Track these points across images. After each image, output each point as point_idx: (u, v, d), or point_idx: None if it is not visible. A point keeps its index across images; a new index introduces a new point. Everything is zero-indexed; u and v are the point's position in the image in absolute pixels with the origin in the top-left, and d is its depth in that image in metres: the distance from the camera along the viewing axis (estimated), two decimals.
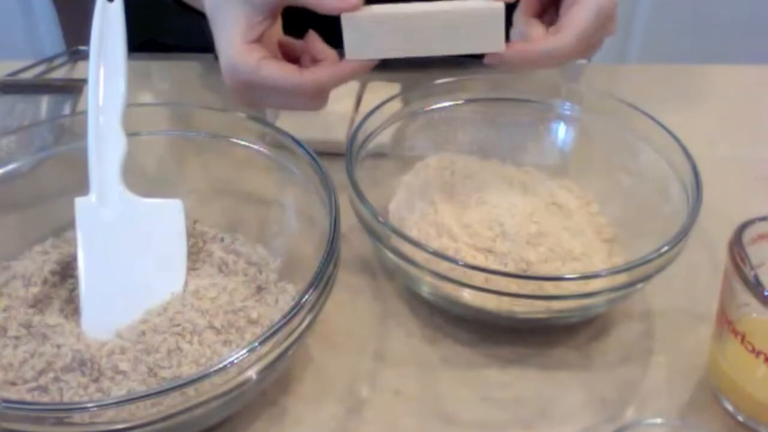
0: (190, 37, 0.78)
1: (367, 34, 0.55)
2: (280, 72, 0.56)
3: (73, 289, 0.55)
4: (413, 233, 0.57)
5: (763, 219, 0.49)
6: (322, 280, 0.48)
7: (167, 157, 0.64)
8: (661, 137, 0.60)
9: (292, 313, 0.46)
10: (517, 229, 0.58)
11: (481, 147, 0.66)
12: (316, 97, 0.58)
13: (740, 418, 0.51)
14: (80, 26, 0.65)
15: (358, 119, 0.63)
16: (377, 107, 0.63)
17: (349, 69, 0.56)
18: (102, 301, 0.53)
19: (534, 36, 0.59)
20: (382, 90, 0.73)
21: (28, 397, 0.48)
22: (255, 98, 0.58)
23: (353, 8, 0.56)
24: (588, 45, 0.58)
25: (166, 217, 0.56)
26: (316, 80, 0.57)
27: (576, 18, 0.57)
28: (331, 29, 0.59)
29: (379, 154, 0.65)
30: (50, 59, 0.84)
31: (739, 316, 0.48)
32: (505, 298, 0.52)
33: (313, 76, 0.57)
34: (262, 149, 0.61)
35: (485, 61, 0.57)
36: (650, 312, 0.59)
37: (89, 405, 0.42)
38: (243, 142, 0.62)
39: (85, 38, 0.58)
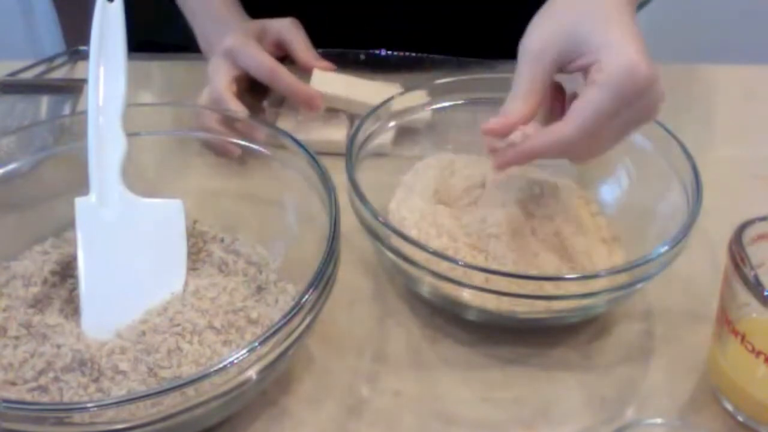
0: (190, 37, 0.78)
1: None
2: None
3: (73, 289, 0.55)
4: (413, 233, 0.57)
5: (763, 219, 0.49)
6: (322, 280, 0.48)
7: (167, 157, 0.64)
8: (661, 137, 0.60)
9: (292, 313, 0.46)
10: (517, 229, 0.58)
11: (481, 147, 0.66)
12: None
13: (740, 418, 0.51)
14: (80, 26, 0.65)
15: (357, 119, 0.63)
16: (377, 107, 0.64)
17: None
18: (102, 301, 0.53)
19: (509, 112, 0.54)
20: (382, 90, 0.73)
21: (28, 397, 0.48)
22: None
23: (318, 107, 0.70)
24: (608, 132, 0.52)
25: (166, 217, 0.56)
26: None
27: (580, 103, 0.51)
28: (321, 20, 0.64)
29: (379, 154, 0.65)
30: (50, 59, 0.84)
31: (739, 316, 0.48)
32: (505, 298, 0.52)
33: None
34: (262, 149, 0.61)
35: (495, 167, 0.56)
36: (650, 312, 0.59)
37: (89, 405, 0.42)
38: (243, 142, 0.62)
39: (85, 38, 0.58)
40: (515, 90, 0.54)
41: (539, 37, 0.54)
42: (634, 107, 0.51)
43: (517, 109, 0.54)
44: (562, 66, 0.54)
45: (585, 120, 0.51)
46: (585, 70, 0.53)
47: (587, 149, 0.54)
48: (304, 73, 0.74)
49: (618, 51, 0.50)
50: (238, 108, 0.68)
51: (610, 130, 0.52)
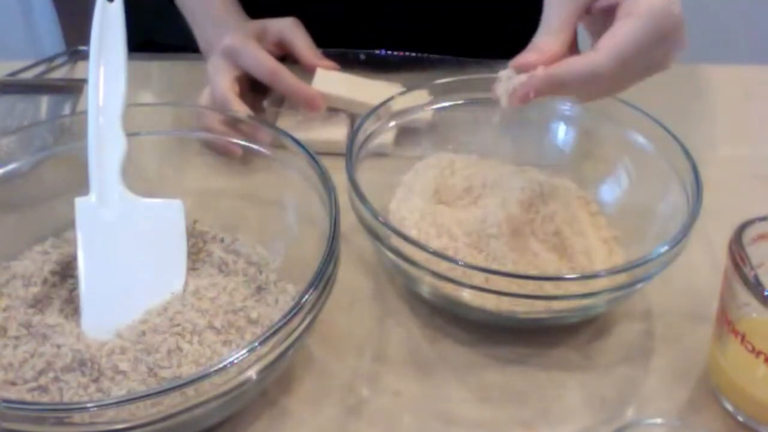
0: (189, 37, 0.78)
1: None
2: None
3: (73, 289, 0.55)
4: (413, 233, 0.57)
5: (763, 219, 0.49)
6: (322, 280, 0.48)
7: (167, 157, 0.64)
8: (661, 137, 0.60)
9: (292, 313, 0.46)
10: (517, 229, 0.58)
11: (481, 147, 0.66)
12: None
13: (740, 418, 0.51)
14: (80, 26, 0.65)
15: (357, 119, 0.63)
16: (377, 107, 0.64)
17: None
18: (102, 301, 0.53)
19: (542, 47, 0.52)
20: (383, 90, 0.73)
21: (28, 397, 0.48)
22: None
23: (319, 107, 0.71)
24: (635, 68, 0.51)
25: (166, 217, 0.56)
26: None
27: (617, 34, 0.50)
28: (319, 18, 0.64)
29: (379, 154, 0.65)
30: (50, 59, 0.84)
31: (739, 316, 0.48)
32: (505, 298, 0.52)
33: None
34: (262, 149, 0.61)
35: (507, 103, 0.53)
36: (650, 312, 0.59)
37: (89, 405, 0.42)
38: (243, 142, 0.62)
39: (85, 38, 0.58)
40: (546, 26, 0.53)
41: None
42: (662, 47, 0.50)
43: (548, 44, 0.52)
44: (591, 4, 0.53)
45: (623, 50, 0.50)
46: (610, 11, 0.52)
47: (609, 85, 0.52)
48: (307, 72, 0.75)
49: None
50: (241, 108, 0.68)
51: (636, 67, 0.51)
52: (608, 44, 0.50)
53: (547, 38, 0.53)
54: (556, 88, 0.52)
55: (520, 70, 0.53)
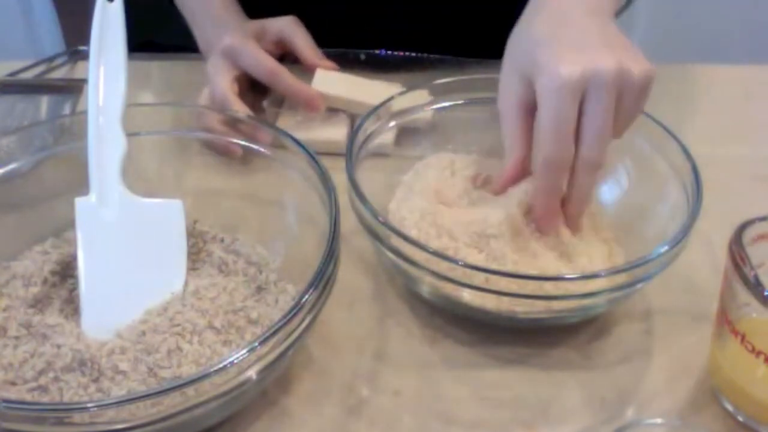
0: (190, 37, 0.78)
1: None
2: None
3: (73, 289, 0.55)
4: (413, 233, 0.57)
5: (763, 219, 0.49)
6: (322, 280, 0.48)
7: (167, 157, 0.64)
8: (661, 137, 0.60)
9: (292, 313, 0.46)
10: (517, 229, 0.58)
11: (481, 147, 0.66)
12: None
13: (740, 418, 0.51)
14: (80, 26, 0.65)
15: (357, 119, 0.63)
16: (377, 107, 0.64)
17: None
18: (102, 301, 0.53)
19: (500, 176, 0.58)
20: (383, 90, 0.73)
21: (28, 397, 0.48)
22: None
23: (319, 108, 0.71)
24: (561, 132, 0.52)
25: (166, 217, 0.56)
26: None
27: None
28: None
29: (379, 154, 0.65)
30: (50, 59, 0.84)
31: (739, 316, 0.48)
32: (505, 298, 0.52)
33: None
34: (262, 149, 0.61)
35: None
36: (650, 312, 0.59)
37: (89, 405, 0.42)
38: (243, 142, 0.62)
39: (85, 38, 0.58)
40: (505, 145, 0.57)
41: (502, 93, 0.57)
42: (603, 99, 0.51)
43: (512, 159, 0.57)
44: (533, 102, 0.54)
45: (540, 135, 0.52)
46: None
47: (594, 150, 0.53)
48: (307, 71, 0.75)
49: (541, 70, 0.52)
50: (241, 108, 0.68)
51: (592, 127, 0.52)
52: (538, 127, 0.53)
53: (509, 157, 0.57)
54: (549, 195, 0.55)
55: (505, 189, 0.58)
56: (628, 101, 0.53)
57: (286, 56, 0.77)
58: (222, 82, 0.70)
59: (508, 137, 0.56)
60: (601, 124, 0.52)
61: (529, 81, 0.53)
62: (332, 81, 0.74)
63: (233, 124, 0.63)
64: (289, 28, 0.76)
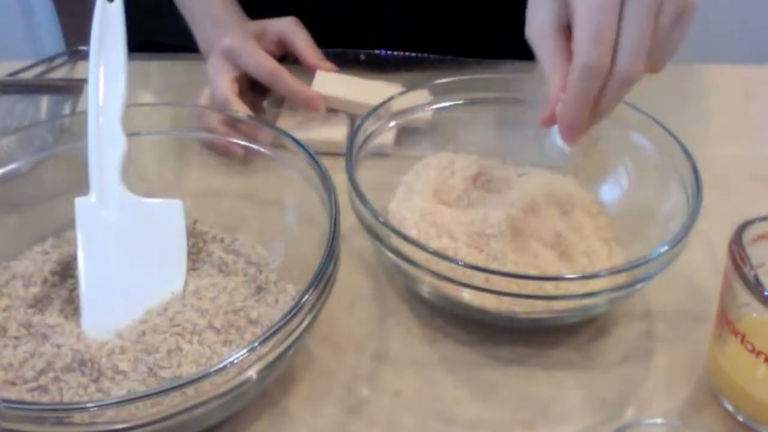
0: (190, 37, 0.78)
1: None
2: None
3: (73, 289, 0.55)
4: (413, 233, 0.57)
5: (763, 219, 0.49)
6: (322, 280, 0.48)
7: (167, 157, 0.64)
8: (661, 137, 0.60)
9: (292, 313, 0.46)
10: (517, 229, 0.58)
11: (481, 147, 0.66)
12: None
13: (740, 418, 0.51)
14: (80, 26, 0.65)
15: (357, 119, 0.63)
16: (377, 107, 0.63)
17: None
18: (102, 301, 0.53)
19: (550, 94, 0.52)
20: (382, 89, 0.73)
21: (28, 397, 0.48)
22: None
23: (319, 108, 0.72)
24: (638, 20, 0.48)
25: (166, 217, 0.56)
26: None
27: (575, 21, 0.49)
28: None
29: (379, 154, 0.65)
30: (50, 59, 0.84)
31: (739, 316, 0.48)
32: (505, 298, 0.52)
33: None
34: (262, 149, 0.61)
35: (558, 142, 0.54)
36: (650, 312, 0.59)
37: (89, 405, 0.42)
38: (243, 142, 0.62)
39: (85, 38, 0.58)
40: (545, 69, 0.53)
41: (531, 19, 0.54)
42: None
43: (553, 86, 0.53)
44: (568, 27, 0.52)
45: (588, 26, 0.49)
46: None
47: (632, 54, 0.50)
48: (307, 72, 0.75)
49: None
50: (241, 108, 0.68)
51: (639, 19, 0.49)
52: (576, 35, 0.50)
53: (550, 84, 0.53)
54: (579, 106, 0.52)
55: (549, 123, 0.54)
56: (666, 14, 0.50)
57: (287, 57, 0.77)
58: (222, 83, 0.70)
59: (548, 59, 0.52)
60: (639, 31, 0.49)
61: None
62: (332, 83, 0.74)
63: (233, 124, 0.63)
64: (289, 28, 0.76)
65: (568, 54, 0.52)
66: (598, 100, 0.52)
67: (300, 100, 0.71)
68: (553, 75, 0.53)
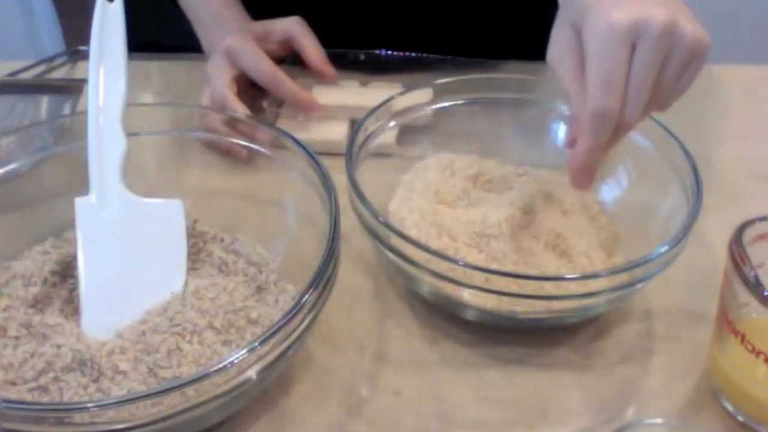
0: (190, 37, 0.78)
1: None
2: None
3: (73, 289, 0.55)
4: (413, 233, 0.57)
5: (763, 219, 0.49)
6: (322, 280, 0.48)
7: (167, 157, 0.64)
8: (661, 137, 0.60)
9: (292, 313, 0.46)
10: (517, 229, 0.58)
11: (481, 147, 0.66)
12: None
13: (740, 418, 0.51)
14: (80, 26, 0.65)
15: (357, 119, 0.63)
16: (377, 107, 0.63)
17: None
18: (102, 301, 0.53)
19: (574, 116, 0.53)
20: (382, 90, 0.73)
21: (28, 397, 0.48)
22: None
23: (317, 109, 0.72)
24: (620, 87, 0.49)
25: (166, 217, 0.56)
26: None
27: (586, 67, 0.50)
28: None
29: (380, 154, 0.65)
30: (50, 59, 0.84)
31: (739, 316, 0.48)
32: (505, 298, 0.52)
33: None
34: (262, 149, 0.61)
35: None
36: (650, 312, 0.59)
37: (89, 405, 0.42)
38: (243, 142, 0.62)
39: (85, 38, 0.58)
40: (569, 97, 0.54)
41: (552, 46, 0.54)
42: (651, 52, 0.49)
43: (577, 108, 0.53)
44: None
45: (597, 73, 0.49)
46: None
47: (636, 103, 0.50)
48: (311, 72, 0.75)
49: (590, 15, 0.49)
50: (240, 108, 0.68)
51: (646, 72, 0.50)
52: (588, 80, 0.50)
53: (575, 106, 0.53)
54: (592, 153, 0.52)
55: (573, 145, 0.54)
56: (675, 62, 0.50)
57: (289, 58, 0.77)
58: (221, 83, 0.70)
59: (569, 85, 0.53)
60: (641, 78, 0.49)
61: (579, 30, 0.51)
62: (331, 93, 0.74)
63: (233, 124, 0.63)
64: (295, 28, 0.76)
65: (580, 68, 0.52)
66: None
67: (298, 104, 0.72)
68: (575, 98, 0.52)
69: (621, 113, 0.50)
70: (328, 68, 0.75)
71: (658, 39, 0.48)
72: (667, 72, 0.50)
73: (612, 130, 0.51)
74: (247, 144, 0.62)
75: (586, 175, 0.54)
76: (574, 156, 0.53)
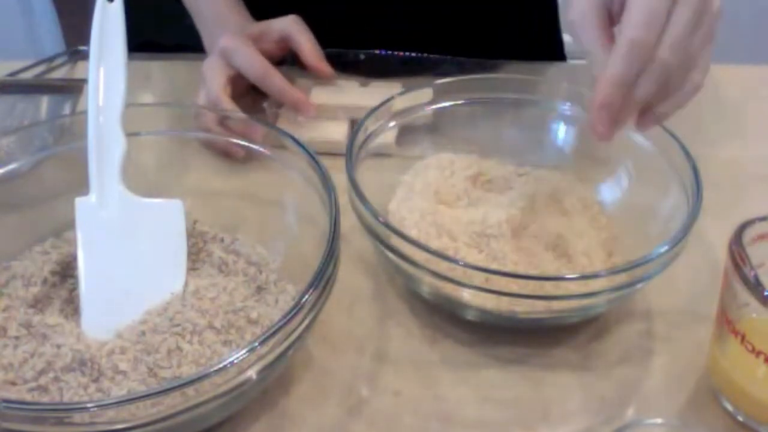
0: (190, 37, 0.78)
1: None
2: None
3: (73, 289, 0.55)
4: (413, 233, 0.57)
5: (763, 219, 0.49)
6: (322, 280, 0.48)
7: (167, 157, 0.64)
8: (661, 137, 0.60)
9: (292, 313, 0.46)
10: (517, 229, 0.58)
11: (481, 147, 0.66)
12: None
13: (740, 418, 0.51)
14: (80, 26, 0.65)
15: (357, 119, 0.63)
16: (377, 107, 0.63)
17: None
18: (102, 301, 0.53)
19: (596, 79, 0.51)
20: (382, 90, 0.73)
21: (28, 397, 0.48)
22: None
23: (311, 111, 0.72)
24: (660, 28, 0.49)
25: (166, 217, 0.56)
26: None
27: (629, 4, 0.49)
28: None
29: (380, 154, 0.65)
30: (50, 59, 0.84)
31: (739, 316, 0.48)
32: (505, 298, 0.52)
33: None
34: (262, 149, 0.61)
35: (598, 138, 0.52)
36: (650, 312, 0.59)
37: (89, 405, 0.42)
38: (243, 142, 0.62)
39: (85, 38, 0.58)
40: (592, 52, 0.52)
41: (575, 3, 0.53)
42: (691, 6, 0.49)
43: (603, 63, 0.51)
44: (610, 12, 0.52)
45: (643, 8, 0.49)
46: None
47: (674, 47, 0.50)
48: (309, 71, 0.75)
49: None
50: (232, 108, 0.68)
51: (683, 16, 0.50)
52: (628, 15, 0.49)
53: (599, 65, 0.52)
54: (618, 86, 0.50)
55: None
56: (704, 27, 0.50)
57: (287, 58, 0.77)
58: (215, 84, 0.70)
59: (594, 40, 0.52)
60: (683, 28, 0.49)
61: None
62: (329, 93, 0.74)
63: (228, 123, 0.63)
64: (291, 27, 0.76)
65: (612, 37, 0.51)
66: (633, 88, 0.51)
67: (288, 101, 0.71)
68: (603, 53, 0.51)
69: (655, 52, 0.49)
70: (324, 66, 0.75)
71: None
72: (695, 34, 0.50)
73: (642, 66, 0.50)
74: (246, 144, 0.62)
75: (607, 116, 0.51)
76: (597, 91, 0.51)
